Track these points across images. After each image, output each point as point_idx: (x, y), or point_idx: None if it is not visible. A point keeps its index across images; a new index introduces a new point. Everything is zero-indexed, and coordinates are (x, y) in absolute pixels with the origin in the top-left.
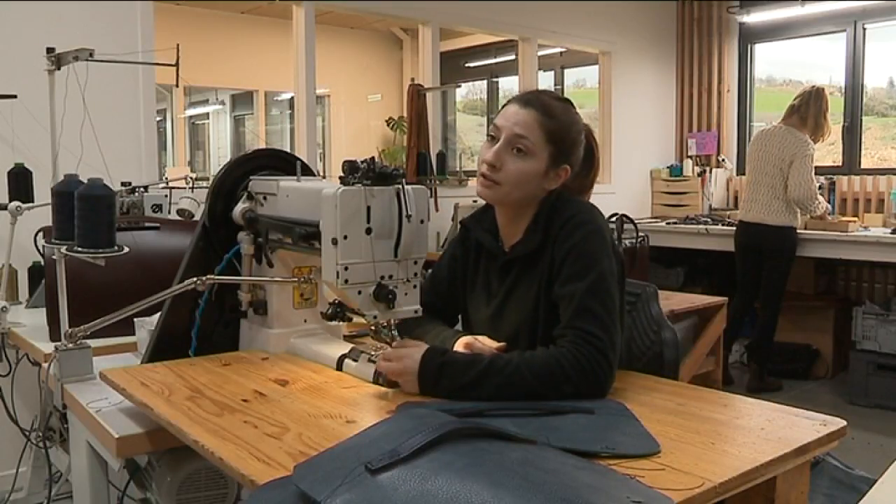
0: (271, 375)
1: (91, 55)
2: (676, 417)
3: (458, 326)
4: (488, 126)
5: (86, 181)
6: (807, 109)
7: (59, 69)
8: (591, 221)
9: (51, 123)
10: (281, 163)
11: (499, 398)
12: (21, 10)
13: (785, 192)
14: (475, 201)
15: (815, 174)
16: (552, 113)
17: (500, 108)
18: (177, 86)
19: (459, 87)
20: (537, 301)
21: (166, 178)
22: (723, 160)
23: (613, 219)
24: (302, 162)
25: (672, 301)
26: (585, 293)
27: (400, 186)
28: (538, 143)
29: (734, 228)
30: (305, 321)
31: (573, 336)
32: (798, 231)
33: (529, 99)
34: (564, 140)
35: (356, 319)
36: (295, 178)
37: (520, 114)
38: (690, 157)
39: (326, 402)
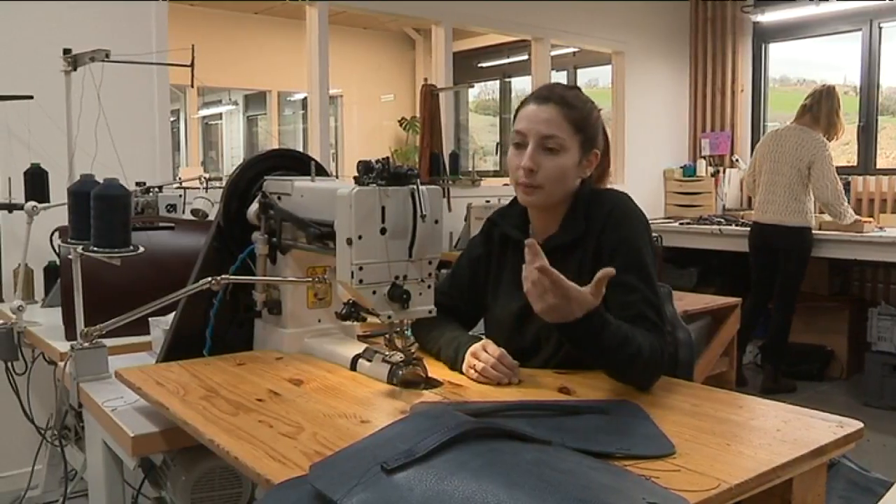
0: (286, 375)
1: (107, 56)
2: (691, 418)
3: (481, 327)
4: (501, 126)
5: (101, 181)
6: (819, 108)
7: (75, 70)
8: (635, 211)
9: (67, 124)
10: (295, 163)
11: (591, 356)
12: (38, 11)
13: (802, 193)
14: (488, 201)
15: None
16: (571, 103)
17: (515, 112)
18: (192, 86)
19: (472, 87)
20: None
21: (180, 178)
22: (736, 160)
23: None
24: (316, 162)
25: (685, 301)
26: (646, 285)
27: (414, 186)
28: (568, 137)
29: (748, 229)
30: (319, 321)
31: (650, 327)
32: (813, 232)
33: (546, 95)
34: (588, 126)
35: (370, 319)
36: (309, 178)
37: (541, 112)
38: (704, 157)
39: (341, 401)
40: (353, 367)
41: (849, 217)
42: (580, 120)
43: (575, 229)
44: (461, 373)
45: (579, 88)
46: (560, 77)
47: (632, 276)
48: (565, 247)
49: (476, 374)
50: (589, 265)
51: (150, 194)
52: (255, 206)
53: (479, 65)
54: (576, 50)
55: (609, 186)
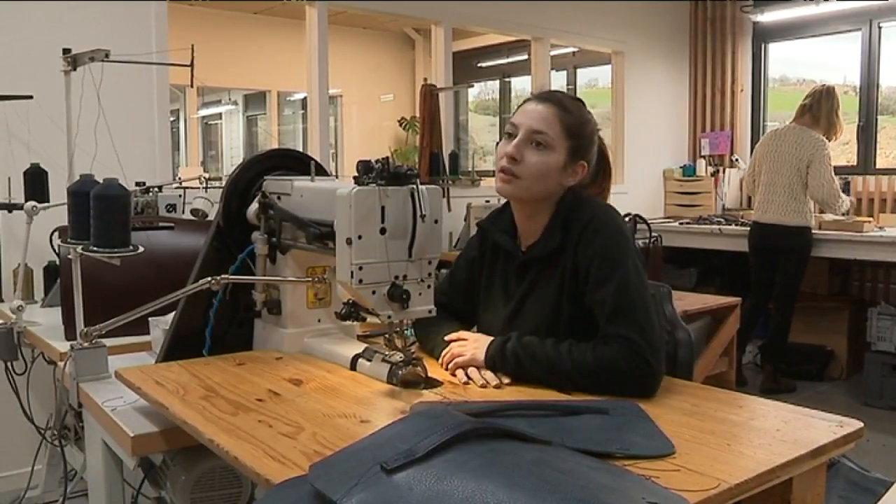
0: (285, 375)
1: (107, 56)
2: (691, 418)
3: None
4: (501, 126)
5: (101, 181)
6: (819, 108)
7: (75, 70)
8: (611, 222)
9: (66, 124)
10: (295, 163)
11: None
12: (38, 11)
13: (802, 193)
14: (487, 201)
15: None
16: (568, 108)
17: (514, 108)
18: (191, 86)
19: (472, 87)
20: (557, 303)
21: (180, 178)
22: (736, 160)
23: (626, 219)
24: (315, 162)
25: (685, 301)
26: (615, 295)
27: (414, 186)
28: (557, 137)
29: (748, 229)
30: (319, 321)
31: (612, 342)
32: (813, 231)
33: (546, 96)
34: (582, 135)
35: (370, 319)
36: (309, 178)
37: (537, 110)
38: (703, 157)
39: (341, 401)
40: (353, 366)
41: (843, 206)
42: (573, 126)
43: (553, 240)
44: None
45: (583, 102)
46: (560, 76)
47: (602, 291)
48: (546, 257)
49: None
50: (568, 279)
51: (150, 194)
52: (254, 206)
53: (479, 65)
54: (576, 50)
55: (610, 190)
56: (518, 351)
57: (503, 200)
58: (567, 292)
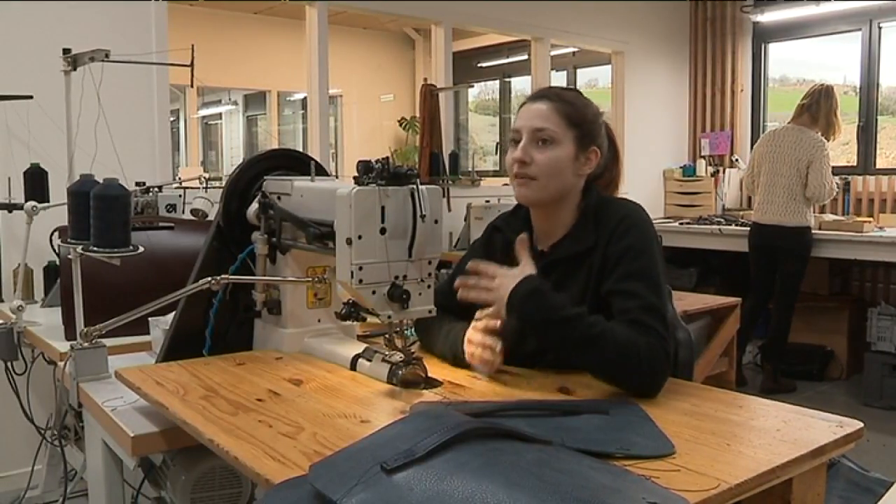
0: (285, 375)
1: (107, 56)
2: (691, 418)
3: None
4: (501, 126)
5: (101, 181)
6: (818, 108)
7: (75, 70)
8: (643, 223)
9: (66, 124)
10: (295, 163)
11: (568, 351)
12: (38, 11)
13: (802, 193)
14: (487, 201)
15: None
16: (566, 99)
17: (514, 108)
18: (192, 86)
19: (472, 87)
20: (580, 303)
21: (180, 178)
22: (736, 160)
23: None
24: (316, 162)
25: (685, 301)
26: (648, 293)
27: (414, 186)
28: (560, 130)
29: (748, 229)
30: (319, 321)
31: (645, 330)
32: (813, 231)
33: (540, 93)
34: (585, 121)
35: (370, 319)
36: (309, 178)
37: (534, 108)
38: (703, 157)
39: (341, 401)
40: (353, 367)
41: (830, 193)
42: (574, 115)
43: (585, 240)
44: (462, 365)
45: (579, 91)
46: (560, 76)
47: (633, 283)
48: (573, 257)
49: (477, 359)
50: (595, 276)
51: (150, 194)
52: (254, 206)
53: (479, 65)
54: (576, 50)
55: (620, 175)
56: (547, 300)
57: (503, 201)
58: (591, 291)
